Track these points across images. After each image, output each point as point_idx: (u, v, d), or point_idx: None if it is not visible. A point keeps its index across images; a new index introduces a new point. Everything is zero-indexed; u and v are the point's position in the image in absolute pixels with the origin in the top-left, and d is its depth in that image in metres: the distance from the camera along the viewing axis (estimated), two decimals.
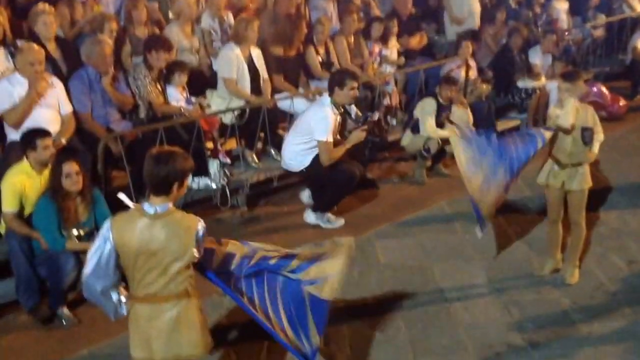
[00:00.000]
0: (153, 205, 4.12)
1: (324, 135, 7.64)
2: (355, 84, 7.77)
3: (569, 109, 6.29)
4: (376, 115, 8.69)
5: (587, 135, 6.43)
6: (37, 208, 6.09)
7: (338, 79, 7.75)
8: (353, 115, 8.23)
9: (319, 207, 8.07)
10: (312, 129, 7.68)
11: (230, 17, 9.47)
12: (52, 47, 7.72)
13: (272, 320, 4.45)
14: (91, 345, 5.94)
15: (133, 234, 4.08)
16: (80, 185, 6.08)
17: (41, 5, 7.70)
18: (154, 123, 7.69)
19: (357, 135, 7.94)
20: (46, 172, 6.21)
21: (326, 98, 7.79)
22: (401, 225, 8.09)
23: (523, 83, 11.23)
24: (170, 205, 4.16)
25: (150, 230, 4.07)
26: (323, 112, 7.68)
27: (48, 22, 7.64)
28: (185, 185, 4.26)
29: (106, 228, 4.16)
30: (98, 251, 4.16)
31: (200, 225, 4.20)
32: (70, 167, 6.04)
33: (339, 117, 7.82)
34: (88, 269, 4.22)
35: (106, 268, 4.19)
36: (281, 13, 9.36)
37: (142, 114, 7.93)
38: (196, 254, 4.16)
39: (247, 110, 8.48)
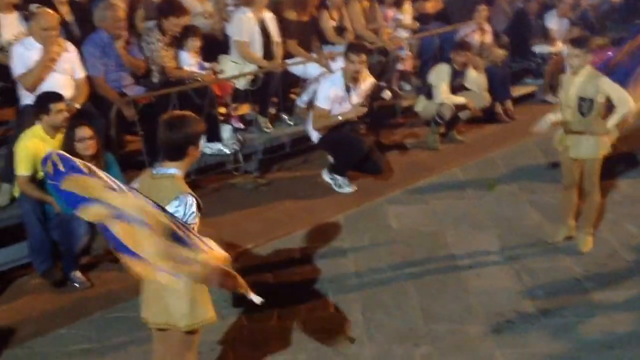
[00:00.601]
0: (163, 168, 4.10)
1: (320, 101, 7.86)
2: (356, 58, 7.82)
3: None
4: (387, 94, 8.65)
5: (584, 106, 6.32)
6: None
7: (345, 51, 7.99)
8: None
9: (333, 168, 8.14)
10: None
11: None
12: (65, 10, 7.68)
13: None
14: (103, 309, 5.98)
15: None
16: (93, 149, 6.09)
17: None
18: (167, 88, 7.66)
19: (356, 110, 7.95)
20: (60, 136, 6.22)
21: (338, 65, 7.82)
22: (413, 191, 8.09)
23: (539, 48, 11.15)
24: (178, 170, 4.08)
25: (149, 190, 4.02)
26: (328, 80, 7.89)
27: None
28: (198, 149, 4.20)
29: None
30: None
31: (180, 200, 3.95)
32: (84, 132, 6.05)
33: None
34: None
35: None
36: None
37: (155, 78, 7.91)
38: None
39: (260, 75, 8.44)
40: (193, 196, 4.01)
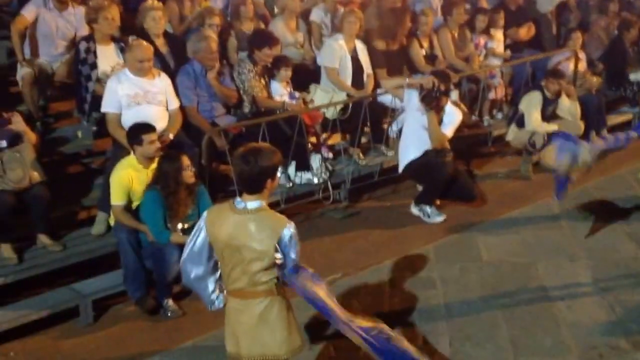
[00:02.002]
0: (243, 202, 4.13)
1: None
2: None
3: None
4: (453, 95, 8.57)
5: None
6: (144, 201, 6.27)
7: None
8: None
9: (421, 200, 8.11)
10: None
11: (340, 12, 9.51)
12: (160, 42, 7.90)
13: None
14: (195, 337, 6.05)
15: (221, 228, 4.12)
16: (193, 178, 6.26)
17: (150, 1, 7.90)
18: (257, 117, 7.79)
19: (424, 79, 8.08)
20: (152, 166, 6.38)
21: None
22: (505, 221, 7.99)
23: (635, 76, 10.88)
24: (261, 202, 4.14)
25: (236, 225, 4.08)
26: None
27: (157, 18, 7.81)
28: (276, 180, 4.24)
29: (202, 218, 4.26)
30: (193, 238, 4.28)
31: (288, 228, 4.10)
32: (186, 160, 6.24)
33: None
34: (184, 254, 4.36)
35: (199, 256, 4.29)
36: (385, 6, 9.34)
37: (246, 108, 8.05)
38: (278, 257, 4.11)
39: (350, 105, 8.50)
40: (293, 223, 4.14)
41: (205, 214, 4.28)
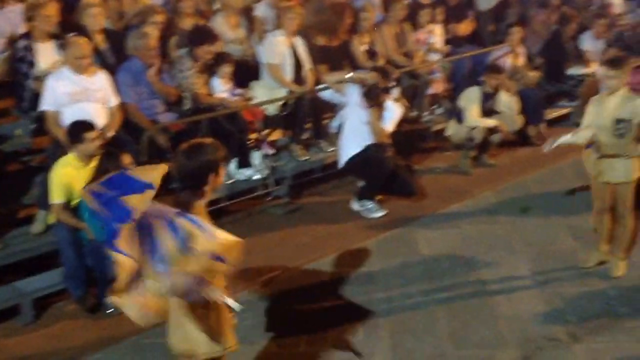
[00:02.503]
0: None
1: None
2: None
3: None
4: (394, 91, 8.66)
5: (621, 128, 6.27)
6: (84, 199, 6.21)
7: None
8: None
9: (362, 195, 8.17)
10: None
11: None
12: (99, 39, 7.82)
13: None
14: (137, 334, 5.97)
15: None
16: None
17: None
18: (198, 114, 7.76)
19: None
20: (92, 164, 6.32)
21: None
22: (444, 216, 8.09)
23: (574, 70, 11.09)
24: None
25: None
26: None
27: (95, 14, 7.73)
28: (221, 175, 4.15)
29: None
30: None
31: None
32: (127, 158, 6.22)
33: None
34: None
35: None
36: (326, 2, 9.37)
37: (187, 105, 8.01)
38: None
39: (291, 100, 8.53)
40: None
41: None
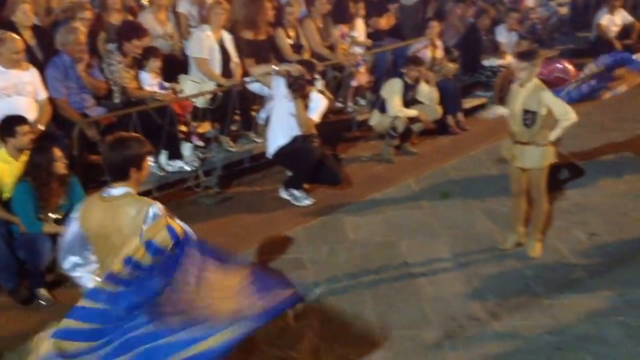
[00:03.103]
0: (111, 189, 4.21)
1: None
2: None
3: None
4: (319, 83, 8.90)
5: (528, 118, 6.59)
6: (15, 193, 6.27)
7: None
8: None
9: (289, 184, 8.36)
10: None
11: (207, 3, 9.63)
12: (28, 35, 7.83)
13: None
14: None
15: (91, 218, 4.20)
16: (64, 169, 6.29)
17: None
18: (128, 108, 7.84)
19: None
20: (23, 158, 6.37)
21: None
22: (369, 203, 8.32)
23: (489, 61, 11.50)
24: (128, 189, 4.19)
25: (104, 213, 4.14)
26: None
27: (26, 10, 7.76)
28: (144, 169, 4.29)
29: (76, 209, 4.36)
30: (67, 229, 4.37)
31: (152, 207, 4.10)
32: (57, 152, 6.27)
33: None
34: (60, 244, 4.48)
35: (72, 246, 4.38)
36: None
37: (117, 99, 8.08)
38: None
39: (219, 93, 8.67)
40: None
41: (79, 205, 4.39)
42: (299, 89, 8.14)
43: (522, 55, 6.70)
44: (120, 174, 4.19)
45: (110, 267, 4.16)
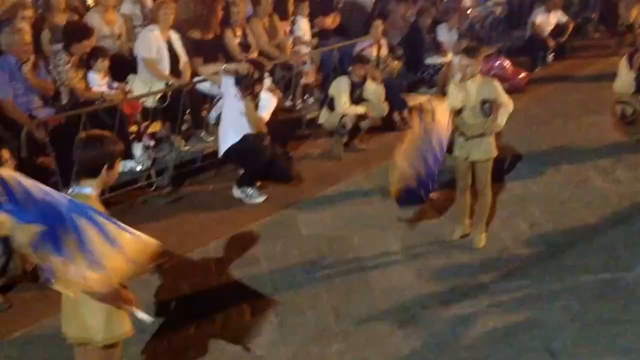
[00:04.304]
0: (76, 187, 4.19)
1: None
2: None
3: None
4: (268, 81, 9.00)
5: (486, 108, 6.80)
6: None
7: None
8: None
9: (242, 182, 8.44)
10: None
11: (149, 2, 9.69)
12: None
13: None
14: (24, 328, 6.05)
15: None
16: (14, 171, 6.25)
17: None
18: (76, 109, 7.84)
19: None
20: None
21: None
22: (321, 199, 8.45)
23: (431, 60, 11.74)
24: (91, 190, 4.15)
25: None
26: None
27: None
28: (116, 169, 4.29)
29: None
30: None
31: None
32: (5, 154, 6.25)
33: None
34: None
35: None
36: None
37: (64, 100, 8.08)
38: None
39: (168, 93, 8.72)
40: None
41: None
42: (247, 88, 8.22)
43: (468, 52, 6.90)
44: (92, 171, 4.17)
45: None
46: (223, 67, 8.39)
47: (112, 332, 4.22)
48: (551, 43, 13.68)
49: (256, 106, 8.34)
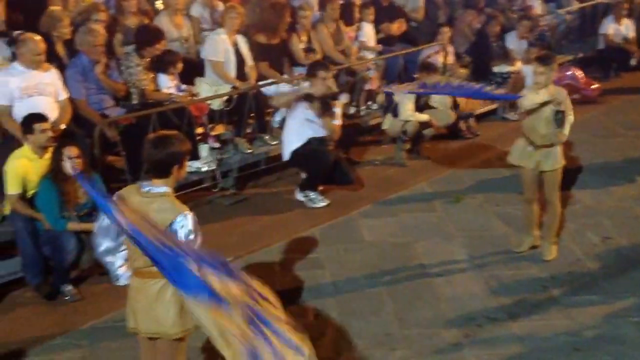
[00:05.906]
0: (150, 186, 4.29)
1: None
2: (325, 74, 8.27)
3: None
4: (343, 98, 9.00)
5: (559, 118, 6.67)
6: (39, 190, 6.36)
7: (310, 70, 8.41)
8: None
9: (305, 186, 8.45)
10: None
11: (220, 6, 9.78)
12: (60, 47, 8.02)
13: None
14: (93, 320, 6.19)
15: (127, 205, 4.21)
16: (80, 168, 6.33)
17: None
18: (146, 109, 7.92)
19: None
20: (47, 156, 6.46)
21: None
22: (384, 205, 8.41)
23: (499, 68, 11.60)
24: (167, 188, 4.29)
25: (139, 206, 4.17)
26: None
27: (65, 26, 7.95)
28: (184, 168, 4.41)
29: (115, 195, 4.34)
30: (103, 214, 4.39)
31: (184, 215, 4.18)
32: (70, 151, 6.31)
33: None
34: (95, 227, 4.56)
35: (107, 231, 4.48)
36: (266, 2, 9.57)
37: (135, 101, 8.16)
38: None
39: (234, 96, 8.76)
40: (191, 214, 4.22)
41: (118, 192, 4.41)
42: (325, 110, 8.25)
43: (542, 60, 6.74)
44: (163, 171, 4.28)
45: (136, 260, 4.29)
46: (297, 94, 8.41)
47: (185, 325, 4.37)
48: (633, 49, 13.59)
49: (331, 119, 8.40)
